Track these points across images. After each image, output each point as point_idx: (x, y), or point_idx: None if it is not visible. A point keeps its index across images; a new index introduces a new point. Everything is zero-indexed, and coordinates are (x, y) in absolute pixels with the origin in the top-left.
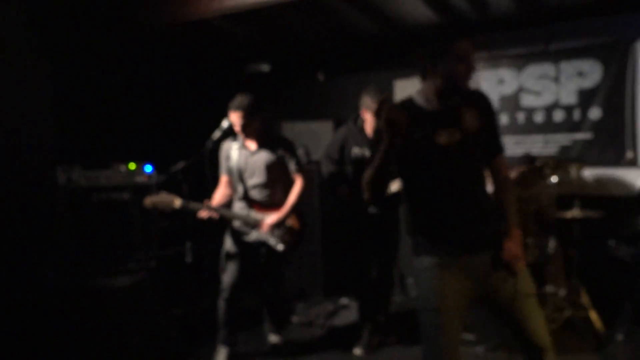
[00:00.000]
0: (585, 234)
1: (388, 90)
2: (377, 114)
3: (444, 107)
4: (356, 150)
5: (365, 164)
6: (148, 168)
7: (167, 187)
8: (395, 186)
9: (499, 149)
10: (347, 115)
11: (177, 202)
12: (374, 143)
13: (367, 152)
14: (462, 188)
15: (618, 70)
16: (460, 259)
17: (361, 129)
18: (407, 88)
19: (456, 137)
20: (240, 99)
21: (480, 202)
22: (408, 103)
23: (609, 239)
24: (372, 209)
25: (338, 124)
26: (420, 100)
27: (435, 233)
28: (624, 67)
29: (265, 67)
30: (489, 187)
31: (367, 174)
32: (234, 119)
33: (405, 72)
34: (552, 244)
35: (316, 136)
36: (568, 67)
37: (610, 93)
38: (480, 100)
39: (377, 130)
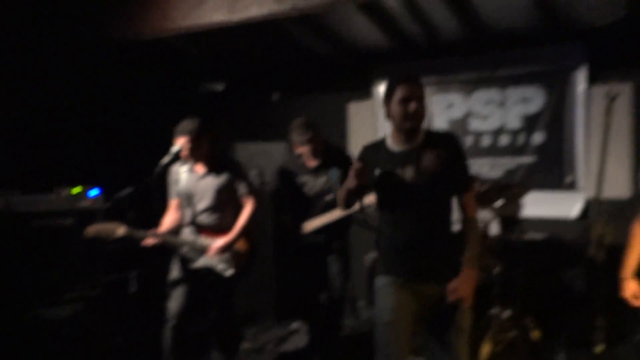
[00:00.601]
0: (530, 256)
1: (341, 113)
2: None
3: (407, 147)
4: (297, 179)
5: (306, 194)
6: (93, 192)
7: (112, 213)
8: (368, 200)
9: (465, 188)
10: None
11: (121, 230)
12: (314, 171)
13: (309, 181)
14: (420, 221)
15: (559, 96)
16: (413, 283)
17: (299, 157)
18: (360, 110)
19: (413, 175)
20: (186, 123)
21: (438, 236)
22: (380, 143)
23: (550, 259)
24: (318, 238)
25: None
26: (388, 141)
27: (393, 257)
28: (564, 93)
29: (219, 86)
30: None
31: (341, 193)
32: (182, 142)
33: (359, 94)
34: (497, 266)
35: (270, 157)
36: (513, 93)
37: (552, 118)
38: (447, 142)
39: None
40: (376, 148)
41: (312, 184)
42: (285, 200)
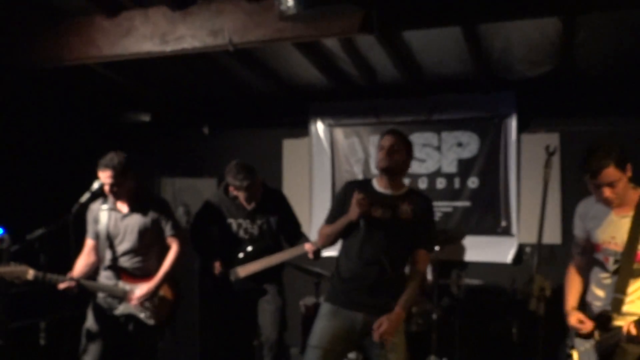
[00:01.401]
0: (467, 301)
1: (276, 149)
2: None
3: (390, 192)
4: (231, 222)
5: (241, 237)
6: None
7: (22, 256)
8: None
9: (423, 244)
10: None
11: (30, 274)
12: (251, 213)
13: (245, 224)
14: (375, 258)
15: (492, 143)
16: (349, 312)
17: (234, 198)
18: (295, 148)
19: (387, 216)
20: (110, 157)
21: (385, 276)
22: (364, 182)
23: (487, 305)
24: (250, 284)
25: (220, 182)
26: (374, 182)
27: (337, 284)
28: (497, 140)
29: (145, 117)
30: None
31: (327, 231)
32: (104, 178)
33: (294, 131)
34: (435, 312)
35: (199, 194)
36: (449, 137)
37: (486, 164)
38: (423, 201)
39: (340, 199)
40: (361, 185)
41: (248, 227)
42: (214, 243)
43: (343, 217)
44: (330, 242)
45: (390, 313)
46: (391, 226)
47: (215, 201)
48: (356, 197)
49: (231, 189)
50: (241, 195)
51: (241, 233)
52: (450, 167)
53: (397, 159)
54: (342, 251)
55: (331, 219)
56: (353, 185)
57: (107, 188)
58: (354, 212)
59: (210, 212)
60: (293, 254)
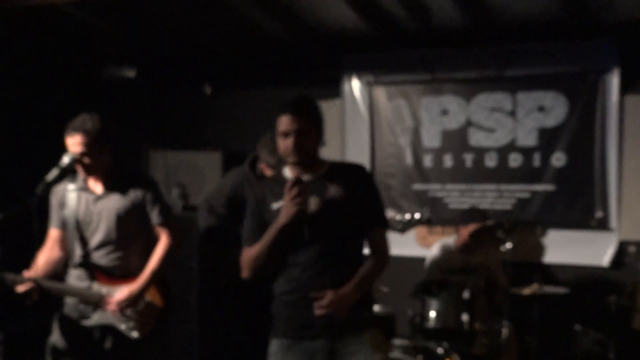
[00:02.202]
0: (546, 316)
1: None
2: None
3: (309, 176)
4: (268, 206)
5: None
6: None
7: None
8: None
9: (376, 222)
10: (242, 146)
11: None
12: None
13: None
14: (319, 264)
15: (585, 107)
16: (306, 344)
17: (262, 178)
18: (324, 113)
19: (317, 208)
20: (83, 119)
21: (340, 282)
22: (253, 165)
23: (575, 323)
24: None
25: (230, 158)
26: (286, 171)
27: (282, 312)
28: (592, 103)
29: (129, 72)
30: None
31: (253, 253)
32: (73, 145)
33: (322, 92)
34: (505, 330)
35: (198, 172)
36: (527, 100)
37: (577, 135)
38: (351, 173)
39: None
40: (271, 179)
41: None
42: (234, 232)
43: (271, 228)
44: (261, 268)
45: (339, 290)
46: (327, 218)
47: (235, 178)
48: (288, 191)
49: (262, 166)
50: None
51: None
52: (529, 138)
53: (309, 145)
54: (279, 272)
55: (252, 237)
56: (249, 179)
57: (78, 161)
58: (288, 212)
59: (228, 191)
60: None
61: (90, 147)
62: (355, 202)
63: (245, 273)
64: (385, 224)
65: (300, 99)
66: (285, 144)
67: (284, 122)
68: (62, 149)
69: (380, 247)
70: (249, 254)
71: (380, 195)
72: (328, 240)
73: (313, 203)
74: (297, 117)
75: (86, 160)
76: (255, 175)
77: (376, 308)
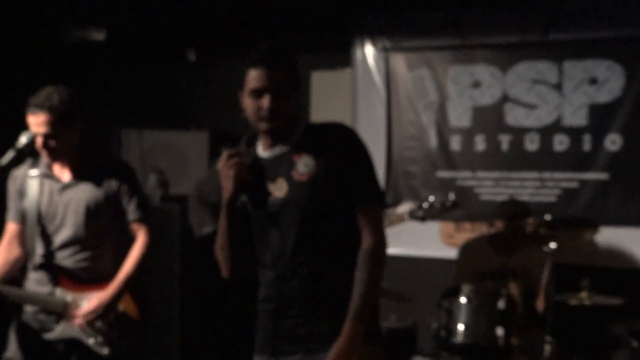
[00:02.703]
0: (597, 330)
1: (303, 85)
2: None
3: (277, 151)
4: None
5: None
6: None
7: None
8: None
9: (363, 198)
10: (233, 124)
11: None
12: None
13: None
14: (296, 260)
15: None
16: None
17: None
18: (330, 84)
19: (287, 191)
20: (47, 93)
21: (318, 281)
22: (250, 142)
23: (631, 339)
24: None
25: (218, 139)
26: (258, 145)
27: (261, 321)
28: None
29: (98, 35)
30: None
31: (218, 244)
32: (35, 125)
33: (329, 60)
34: (547, 347)
35: (180, 155)
36: (576, 70)
37: (636, 113)
38: (328, 136)
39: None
40: (245, 152)
41: None
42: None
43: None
44: (230, 264)
45: (339, 339)
46: (298, 202)
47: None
48: (222, 159)
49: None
50: None
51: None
52: (577, 117)
53: (286, 108)
54: (258, 270)
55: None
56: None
57: (39, 142)
58: (226, 185)
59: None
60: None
61: (57, 127)
62: (331, 175)
63: (222, 271)
64: (377, 199)
65: (276, 48)
66: (256, 106)
67: (256, 78)
68: (19, 127)
69: (371, 234)
70: (217, 246)
71: (370, 162)
72: (300, 233)
73: (279, 187)
74: (272, 71)
75: (52, 142)
76: (251, 156)
77: (390, 319)
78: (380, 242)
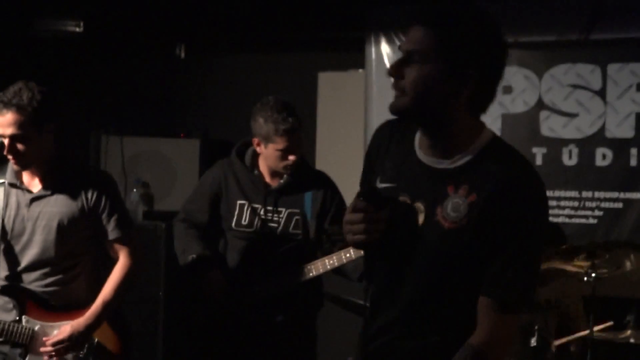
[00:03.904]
0: None
1: (307, 89)
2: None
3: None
4: (242, 204)
5: (264, 235)
6: None
7: None
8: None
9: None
10: (228, 130)
11: None
12: (276, 193)
13: (262, 210)
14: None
15: None
16: None
17: (252, 169)
18: (340, 86)
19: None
20: (15, 90)
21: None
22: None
23: None
24: (279, 317)
25: (211, 147)
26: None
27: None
28: None
29: (74, 26)
30: None
31: None
32: (3, 126)
33: (339, 59)
34: None
35: (168, 166)
36: (621, 74)
37: None
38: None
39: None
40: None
41: (268, 216)
42: (220, 247)
43: None
44: None
45: None
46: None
47: (218, 173)
48: (350, 212)
49: (255, 142)
50: (271, 153)
51: (255, 224)
52: (623, 127)
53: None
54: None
55: None
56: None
57: (5, 146)
58: (349, 239)
59: (209, 191)
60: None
61: (26, 128)
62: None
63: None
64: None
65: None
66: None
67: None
68: None
69: (484, 329)
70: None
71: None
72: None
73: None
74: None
75: (20, 147)
76: (242, 164)
77: None
78: (491, 346)
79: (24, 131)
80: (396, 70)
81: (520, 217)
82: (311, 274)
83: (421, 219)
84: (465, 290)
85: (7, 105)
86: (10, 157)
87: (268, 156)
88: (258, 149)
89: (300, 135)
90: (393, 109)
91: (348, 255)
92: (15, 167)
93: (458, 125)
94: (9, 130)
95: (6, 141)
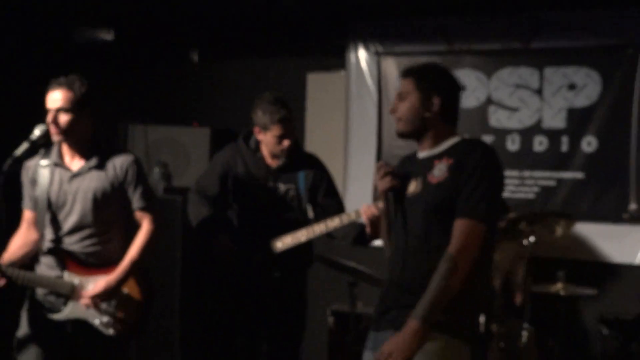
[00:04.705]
0: (571, 318)
1: (297, 88)
2: None
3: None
4: (253, 182)
5: (265, 205)
6: None
7: None
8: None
9: (463, 210)
10: (234, 121)
11: None
12: (275, 172)
13: (266, 184)
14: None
15: (622, 85)
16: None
17: (255, 151)
18: (325, 86)
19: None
20: (71, 77)
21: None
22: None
23: (603, 327)
24: (276, 273)
25: (219, 135)
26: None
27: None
28: (630, 82)
29: (106, 35)
30: None
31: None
32: (54, 101)
33: (324, 62)
34: (525, 333)
35: (183, 150)
36: (555, 76)
37: (611, 117)
38: (466, 151)
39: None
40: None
41: (270, 192)
42: (229, 217)
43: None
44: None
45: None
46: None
47: (226, 156)
48: (378, 174)
49: (256, 130)
50: (269, 139)
51: (265, 198)
52: (556, 120)
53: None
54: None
55: None
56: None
57: (50, 116)
58: (381, 186)
59: (219, 170)
60: (345, 222)
61: (72, 105)
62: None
63: (385, 252)
64: (476, 216)
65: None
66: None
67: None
68: (31, 122)
69: (455, 240)
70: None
71: (486, 181)
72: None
73: (416, 183)
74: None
75: (64, 118)
76: (248, 148)
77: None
78: (460, 251)
79: (69, 107)
80: (393, 108)
81: (474, 166)
82: (303, 239)
83: (419, 187)
84: (448, 227)
85: (60, 85)
86: (52, 126)
87: (267, 142)
88: (259, 137)
89: (292, 124)
90: (397, 133)
91: (334, 224)
92: (56, 137)
93: (436, 131)
94: (57, 104)
95: (51, 114)
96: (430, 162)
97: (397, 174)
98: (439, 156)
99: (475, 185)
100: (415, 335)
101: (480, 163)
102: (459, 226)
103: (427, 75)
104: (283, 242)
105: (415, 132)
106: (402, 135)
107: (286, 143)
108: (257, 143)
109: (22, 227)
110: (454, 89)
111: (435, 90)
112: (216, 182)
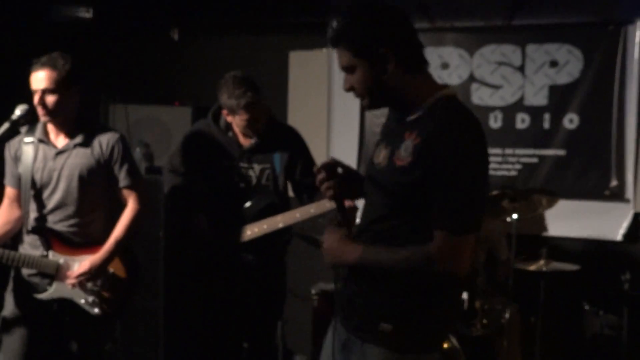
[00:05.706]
0: (554, 294)
1: (279, 66)
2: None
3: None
4: (223, 163)
5: (237, 186)
6: None
7: None
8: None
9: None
10: (215, 100)
11: None
12: (248, 152)
13: (239, 165)
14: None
15: (604, 62)
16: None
17: (226, 130)
18: (307, 63)
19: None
20: (53, 56)
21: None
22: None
23: (584, 303)
24: (249, 256)
25: (200, 114)
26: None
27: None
28: (612, 58)
29: (84, 13)
30: None
31: None
32: (37, 82)
33: (306, 40)
34: (508, 309)
35: (165, 129)
36: (537, 53)
37: (592, 95)
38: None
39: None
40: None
41: (247, 172)
42: (199, 194)
43: None
44: None
45: None
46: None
47: (200, 132)
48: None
49: (224, 113)
50: (238, 122)
51: (237, 179)
52: (538, 97)
53: None
54: None
55: None
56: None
57: (37, 98)
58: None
59: (196, 150)
60: (319, 210)
61: (57, 84)
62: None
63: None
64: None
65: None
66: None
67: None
68: (11, 102)
69: (435, 241)
70: None
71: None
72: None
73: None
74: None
75: (50, 98)
76: (218, 127)
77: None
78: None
79: (54, 87)
80: (347, 86)
81: (447, 157)
82: (280, 225)
83: (385, 161)
84: (410, 216)
85: (43, 64)
86: (39, 108)
87: (237, 124)
88: (227, 119)
89: (261, 105)
90: (366, 109)
91: (312, 210)
92: (44, 118)
93: (406, 88)
94: (42, 85)
95: (37, 95)
96: (402, 129)
97: (337, 175)
98: (411, 126)
99: (451, 187)
100: (352, 254)
101: (457, 152)
102: (440, 239)
103: (358, 35)
104: (252, 231)
105: (384, 100)
106: (369, 108)
107: (248, 142)
108: (228, 123)
109: (3, 205)
110: (400, 27)
111: (375, 44)
112: (188, 160)
